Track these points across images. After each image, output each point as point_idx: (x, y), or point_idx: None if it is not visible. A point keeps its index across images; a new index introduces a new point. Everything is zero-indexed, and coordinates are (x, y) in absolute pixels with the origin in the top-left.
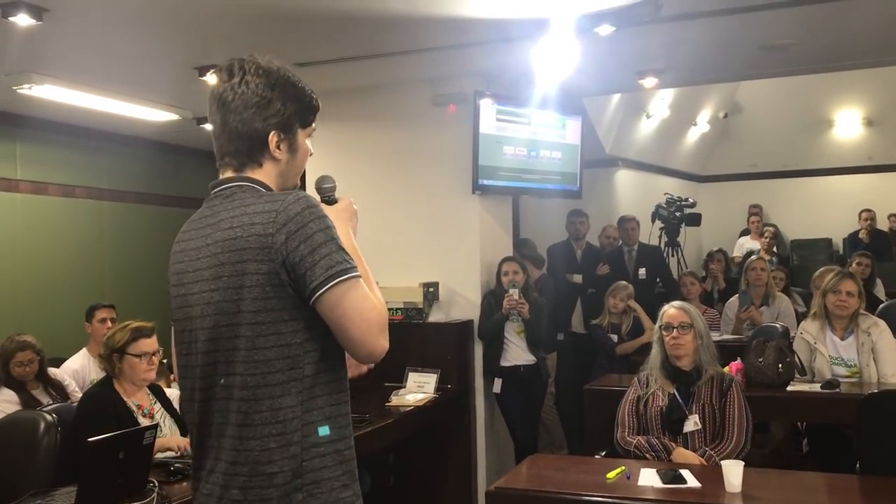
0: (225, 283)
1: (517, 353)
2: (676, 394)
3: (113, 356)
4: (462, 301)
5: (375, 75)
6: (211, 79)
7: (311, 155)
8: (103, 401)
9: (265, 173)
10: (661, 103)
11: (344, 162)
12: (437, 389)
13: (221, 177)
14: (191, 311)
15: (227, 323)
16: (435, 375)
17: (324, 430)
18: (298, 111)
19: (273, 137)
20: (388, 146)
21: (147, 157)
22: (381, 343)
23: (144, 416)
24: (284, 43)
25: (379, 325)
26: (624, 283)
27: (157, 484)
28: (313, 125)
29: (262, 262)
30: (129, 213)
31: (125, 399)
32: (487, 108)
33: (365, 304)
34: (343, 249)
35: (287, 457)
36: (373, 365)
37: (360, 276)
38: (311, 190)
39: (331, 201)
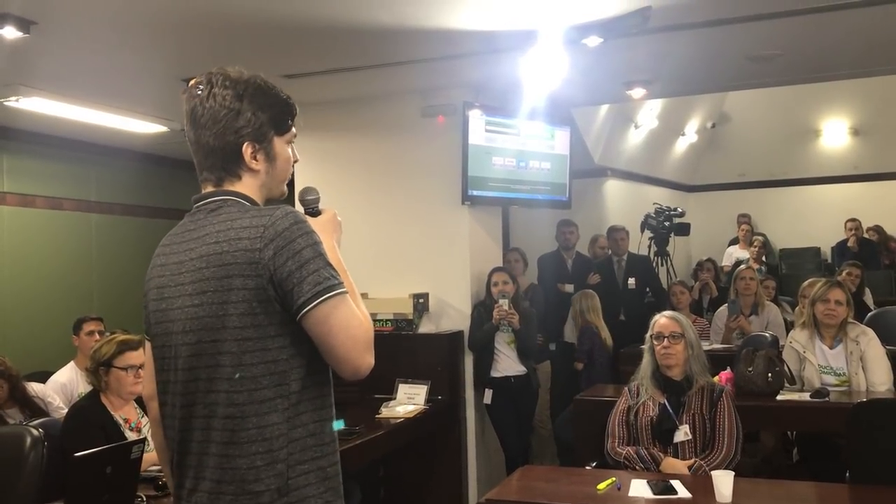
0: (210, 298)
1: (507, 363)
2: (667, 404)
3: (99, 369)
4: (452, 312)
5: (364, 87)
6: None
7: (295, 162)
8: (90, 415)
9: (246, 186)
10: (649, 113)
11: (333, 173)
12: (427, 401)
13: (203, 191)
14: (171, 327)
15: (210, 339)
16: (425, 387)
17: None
18: (272, 119)
19: (247, 149)
20: (378, 157)
21: (135, 169)
22: (367, 360)
23: (132, 430)
24: (273, 54)
25: (364, 342)
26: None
27: (144, 499)
28: (292, 131)
29: (249, 277)
30: (117, 225)
31: (112, 413)
32: (476, 119)
33: (351, 321)
34: (330, 265)
35: (274, 475)
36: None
37: (346, 292)
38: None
39: (315, 213)
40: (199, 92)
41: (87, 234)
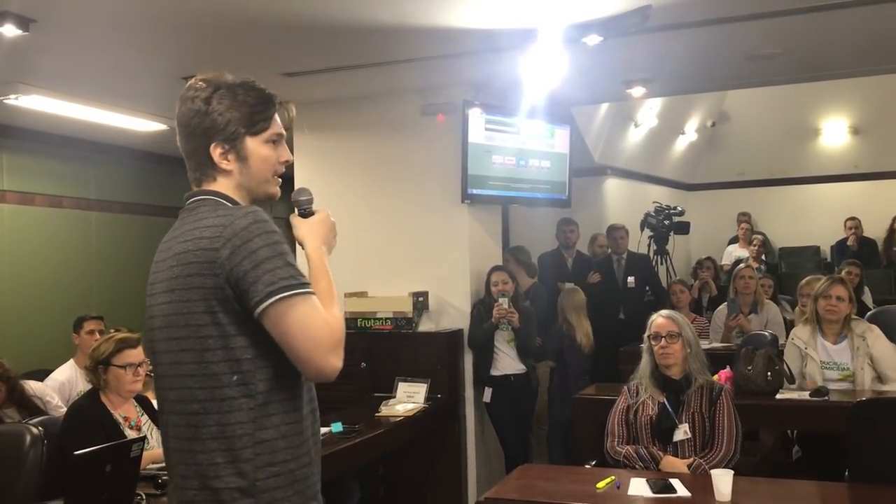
0: (177, 297)
1: (507, 362)
2: (666, 403)
3: (98, 368)
4: (452, 310)
5: (364, 85)
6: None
7: (286, 161)
8: (89, 413)
9: (221, 186)
10: (649, 112)
11: (333, 171)
12: (426, 399)
13: (190, 191)
14: (153, 322)
15: (177, 336)
16: (425, 385)
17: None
18: (243, 117)
19: (215, 149)
20: (378, 156)
21: (134, 167)
22: (331, 362)
23: (131, 428)
24: (272, 52)
25: (329, 344)
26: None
27: (144, 497)
28: (273, 129)
29: (208, 276)
30: (117, 223)
31: (112, 411)
32: (476, 117)
33: (312, 322)
34: (291, 265)
35: (235, 473)
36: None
37: (309, 293)
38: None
39: (306, 214)
40: (179, 101)
41: (86, 233)
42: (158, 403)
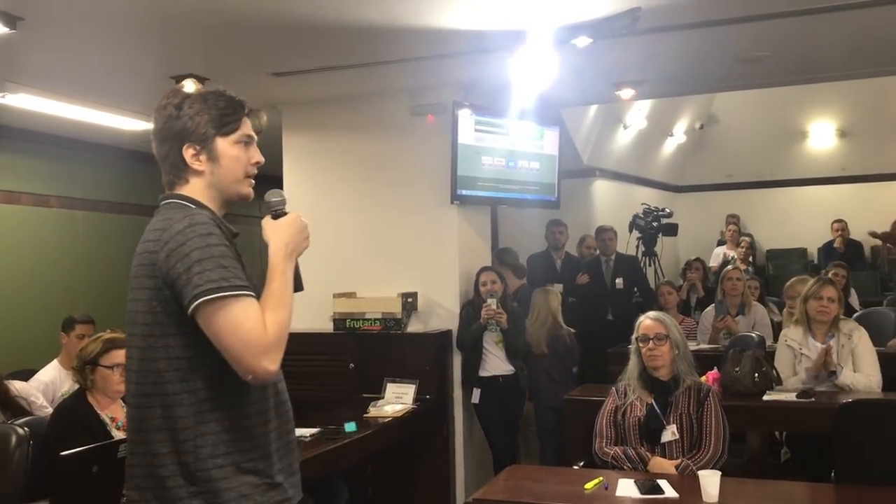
0: (131, 296)
1: (495, 363)
2: (654, 404)
3: (85, 368)
4: (441, 311)
5: (354, 85)
6: (187, 86)
7: (257, 163)
8: (76, 414)
9: (193, 188)
10: (638, 114)
11: (322, 172)
12: (415, 400)
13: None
14: (125, 319)
15: (131, 333)
16: (413, 386)
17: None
18: (212, 119)
19: (188, 150)
20: (367, 156)
21: (121, 166)
22: (263, 364)
23: (119, 428)
24: (261, 52)
25: (261, 346)
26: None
27: None
28: (242, 130)
29: (150, 277)
30: (104, 222)
31: (98, 412)
32: (466, 118)
33: (243, 324)
34: (225, 267)
35: (177, 462)
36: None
37: (243, 295)
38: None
39: (278, 215)
40: (156, 108)
41: (72, 232)
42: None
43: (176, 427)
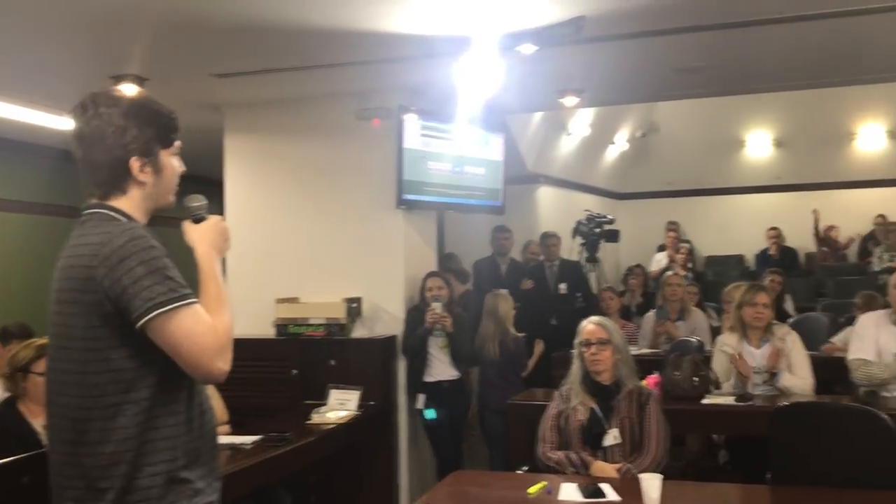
0: (63, 309)
1: (441, 368)
2: (597, 408)
3: (17, 375)
4: (386, 316)
5: (298, 88)
6: (125, 88)
7: (181, 172)
8: (5, 423)
9: (130, 200)
10: (581, 122)
11: (265, 175)
12: (359, 406)
13: (87, 202)
14: (48, 330)
15: (63, 346)
16: (357, 392)
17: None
18: (157, 133)
19: (135, 163)
20: (312, 160)
21: (56, 167)
22: (217, 366)
23: None
24: (203, 53)
25: (214, 349)
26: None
27: None
28: (176, 144)
29: (87, 292)
30: (38, 225)
31: (30, 420)
32: (412, 123)
33: (196, 329)
34: (170, 278)
35: (118, 474)
36: None
37: (190, 303)
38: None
39: (198, 220)
40: (85, 113)
41: (4, 235)
42: (47, 408)
43: (118, 438)
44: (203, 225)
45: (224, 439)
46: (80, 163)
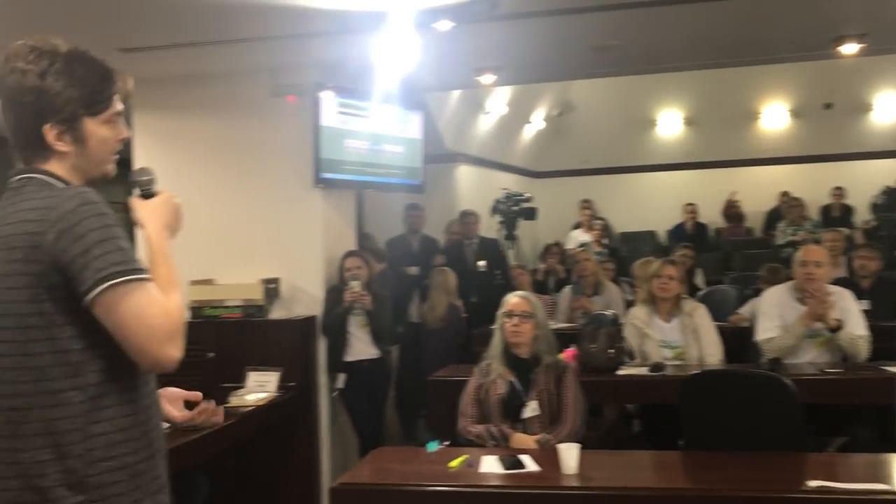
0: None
1: (361, 347)
2: (515, 381)
3: None
4: (305, 297)
5: (210, 63)
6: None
7: (124, 138)
8: None
9: (56, 166)
10: (498, 100)
11: (176, 153)
12: (279, 388)
13: (16, 167)
14: None
15: None
16: (276, 374)
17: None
18: (83, 97)
19: (50, 130)
20: (225, 138)
21: None
22: (168, 352)
23: None
24: (109, 26)
25: (165, 333)
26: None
27: None
28: (113, 108)
29: (33, 262)
30: None
31: None
32: (329, 100)
33: (148, 310)
34: (124, 249)
35: (62, 470)
36: None
37: (144, 279)
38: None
39: (148, 195)
40: (4, 66)
41: None
42: None
43: (62, 430)
44: (154, 201)
45: None
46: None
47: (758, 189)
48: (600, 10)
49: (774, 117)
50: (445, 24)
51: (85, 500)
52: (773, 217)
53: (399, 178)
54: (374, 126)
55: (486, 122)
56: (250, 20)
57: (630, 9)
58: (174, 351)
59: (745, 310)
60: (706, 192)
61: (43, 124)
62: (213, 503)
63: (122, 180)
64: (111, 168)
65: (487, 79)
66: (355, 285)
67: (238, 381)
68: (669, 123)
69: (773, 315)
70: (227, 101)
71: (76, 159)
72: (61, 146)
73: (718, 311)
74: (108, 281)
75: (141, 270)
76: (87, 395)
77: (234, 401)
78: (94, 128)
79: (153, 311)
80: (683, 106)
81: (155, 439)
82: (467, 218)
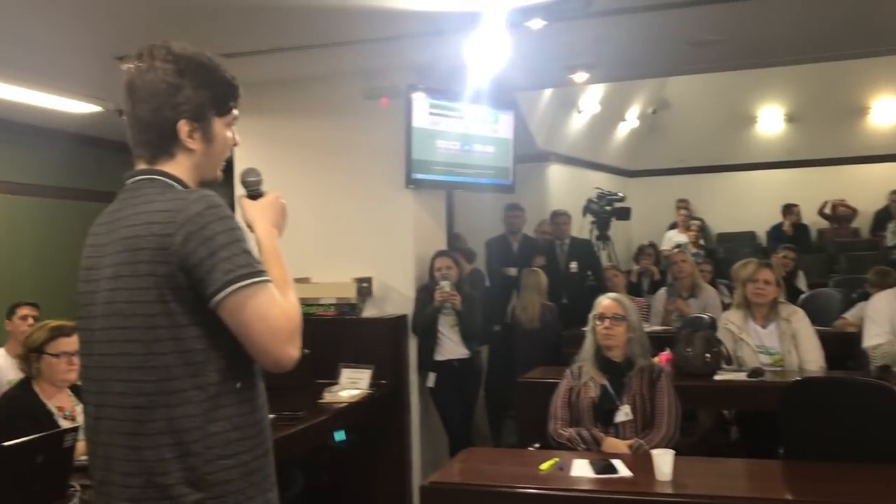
0: (124, 284)
1: (451, 347)
2: (608, 385)
3: (31, 356)
4: (396, 296)
5: (306, 67)
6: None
7: (235, 145)
8: (20, 403)
9: (178, 165)
10: (591, 99)
11: (274, 155)
12: (371, 385)
13: (135, 168)
14: (94, 310)
15: (122, 325)
16: (369, 371)
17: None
18: (213, 98)
19: (184, 126)
20: (320, 140)
21: (67, 151)
22: (289, 352)
23: (66, 418)
24: (211, 32)
25: (287, 333)
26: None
27: (79, 488)
28: (233, 113)
29: (160, 263)
30: (49, 208)
31: (45, 401)
32: (420, 101)
33: (271, 311)
34: (248, 252)
35: (184, 468)
36: None
37: (267, 281)
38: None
39: (255, 195)
40: (139, 64)
41: (15, 218)
42: (92, 396)
43: (183, 428)
44: (263, 201)
45: None
46: (128, 118)
47: (866, 188)
48: (700, 3)
49: (884, 112)
50: (538, 23)
51: (204, 498)
52: (883, 217)
53: (489, 179)
54: (465, 126)
55: (579, 121)
56: (346, 25)
57: (732, 1)
58: (294, 350)
59: (851, 314)
60: (808, 192)
61: (178, 119)
62: (307, 496)
63: (223, 184)
64: (220, 174)
65: (580, 77)
66: (445, 285)
67: (332, 378)
68: (770, 120)
69: (882, 320)
70: (322, 103)
71: (200, 158)
72: (191, 143)
73: (821, 316)
74: (236, 283)
75: (263, 272)
76: (208, 395)
77: (329, 397)
78: (220, 128)
79: (275, 312)
80: (785, 102)
81: (267, 438)
82: (558, 218)
